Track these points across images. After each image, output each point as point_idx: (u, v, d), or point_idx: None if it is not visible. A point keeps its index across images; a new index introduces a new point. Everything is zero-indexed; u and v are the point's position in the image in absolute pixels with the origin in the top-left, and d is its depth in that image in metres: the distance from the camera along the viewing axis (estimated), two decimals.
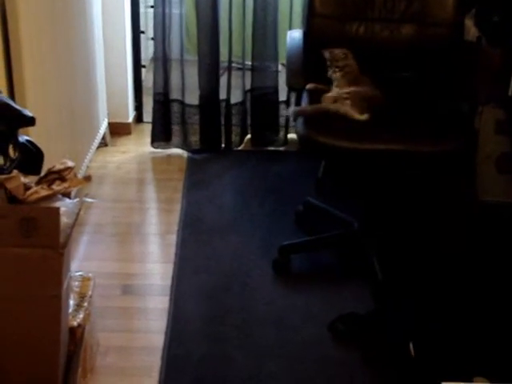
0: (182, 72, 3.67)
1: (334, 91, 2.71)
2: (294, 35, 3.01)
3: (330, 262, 2.96)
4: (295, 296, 2.74)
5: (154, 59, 3.67)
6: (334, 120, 2.62)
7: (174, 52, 3.64)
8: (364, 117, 2.60)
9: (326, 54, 2.78)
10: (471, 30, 3.18)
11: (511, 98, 3.07)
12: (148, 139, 3.75)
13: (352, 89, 2.67)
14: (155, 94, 3.67)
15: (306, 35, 2.99)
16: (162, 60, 3.63)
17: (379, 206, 3.00)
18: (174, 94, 3.69)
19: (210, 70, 3.63)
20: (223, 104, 3.71)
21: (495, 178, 3.24)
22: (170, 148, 3.74)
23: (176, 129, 3.74)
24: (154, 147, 3.74)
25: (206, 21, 3.54)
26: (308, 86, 2.81)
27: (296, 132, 2.72)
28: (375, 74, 2.84)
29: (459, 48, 2.96)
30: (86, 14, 3.27)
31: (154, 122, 3.72)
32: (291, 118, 2.57)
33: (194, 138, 3.75)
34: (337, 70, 2.74)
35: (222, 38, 3.60)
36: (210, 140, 3.75)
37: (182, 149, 3.74)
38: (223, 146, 3.77)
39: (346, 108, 2.61)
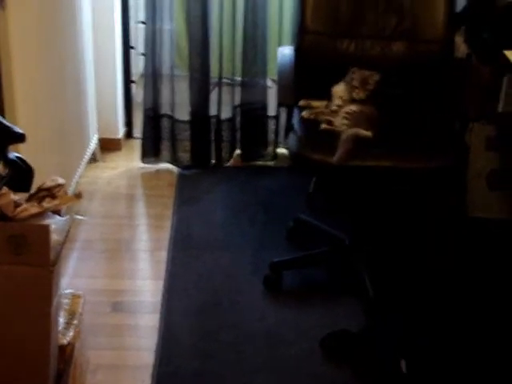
0: (172, 87, 3.67)
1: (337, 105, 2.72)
2: (285, 52, 3.01)
3: (321, 278, 2.95)
4: (286, 312, 2.73)
5: (145, 75, 3.67)
6: (325, 137, 2.62)
7: (165, 67, 3.64)
8: (370, 134, 2.60)
9: (356, 74, 2.76)
10: (461, 47, 3.20)
11: (501, 115, 3.08)
12: (138, 155, 3.74)
13: (353, 108, 2.67)
14: (145, 110, 3.67)
15: (297, 52, 2.99)
16: (152, 75, 3.62)
17: (370, 222, 2.99)
18: (164, 110, 3.69)
19: (201, 85, 3.63)
20: (213, 120, 3.71)
21: (486, 194, 3.25)
22: (159, 163, 3.73)
23: (166, 144, 3.73)
24: (144, 162, 3.73)
25: (197, 37, 3.55)
26: (301, 103, 2.81)
27: (288, 149, 2.72)
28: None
29: (449, 65, 2.98)
30: (76, 30, 3.27)
31: (143, 138, 3.71)
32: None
33: (184, 154, 3.74)
34: (365, 91, 2.73)
35: (212, 53, 3.60)
36: (200, 156, 3.74)
37: (172, 164, 3.73)
38: (213, 161, 3.77)
39: (354, 129, 2.60)
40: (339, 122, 2.64)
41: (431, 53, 2.99)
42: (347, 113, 2.65)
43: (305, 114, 2.75)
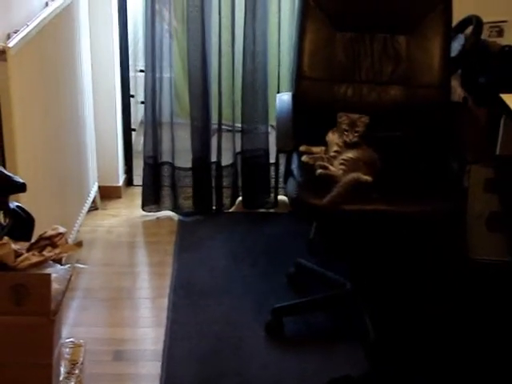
0: (172, 135, 3.69)
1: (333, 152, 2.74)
2: (283, 98, 3.04)
3: (323, 323, 2.94)
4: (289, 359, 2.72)
5: (145, 123, 3.69)
6: (323, 182, 2.63)
7: (164, 115, 3.66)
8: (369, 178, 2.61)
9: (343, 118, 2.80)
10: (457, 90, 3.23)
11: (499, 157, 3.10)
12: (138, 202, 3.75)
13: (349, 155, 2.69)
14: (145, 158, 3.68)
15: (294, 98, 3.02)
16: (152, 123, 3.64)
17: (370, 267, 2.99)
18: (165, 157, 3.71)
19: (202, 132, 3.65)
20: (214, 166, 3.73)
21: (486, 236, 3.25)
22: (160, 211, 3.74)
23: (166, 192, 3.74)
24: (145, 210, 3.73)
25: (197, 84, 3.57)
26: (301, 148, 2.82)
27: (287, 194, 2.73)
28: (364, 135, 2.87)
29: (446, 108, 3.00)
30: (76, 79, 3.30)
31: (144, 186, 3.72)
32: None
33: (185, 201, 3.75)
34: (355, 134, 2.76)
35: (212, 100, 3.63)
36: (201, 202, 3.75)
37: (173, 211, 3.74)
38: (214, 208, 3.77)
39: (354, 174, 2.62)
40: (337, 167, 2.66)
41: (428, 97, 3.02)
42: (344, 159, 2.67)
43: (304, 158, 2.76)
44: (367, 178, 2.61)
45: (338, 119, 2.81)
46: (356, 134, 2.76)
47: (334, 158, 2.72)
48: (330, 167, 2.67)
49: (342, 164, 2.66)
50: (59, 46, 3.04)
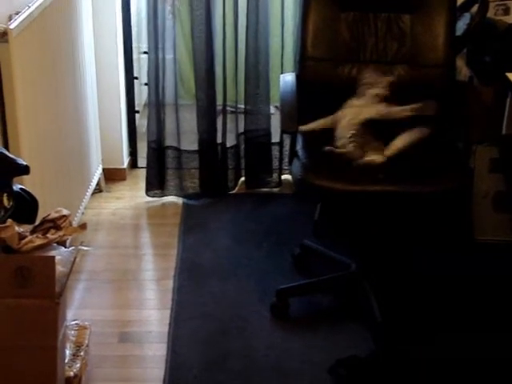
0: (177, 117, 3.67)
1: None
2: (287, 78, 3.02)
3: (328, 304, 2.94)
4: (294, 340, 2.72)
5: (148, 105, 3.67)
6: (329, 163, 2.62)
7: (168, 97, 3.65)
8: (382, 158, 2.60)
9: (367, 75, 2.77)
10: (463, 70, 3.21)
11: (505, 137, 3.08)
12: (143, 184, 3.74)
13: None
14: (149, 142, 3.67)
15: (298, 78, 3.00)
16: (156, 106, 3.63)
17: (376, 247, 2.98)
18: (169, 140, 3.69)
19: (207, 114, 3.64)
20: (219, 147, 3.71)
21: (491, 216, 3.24)
22: (165, 196, 3.72)
23: (171, 176, 3.72)
24: (150, 196, 3.71)
25: (202, 65, 3.55)
26: (302, 128, 2.79)
27: (291, 175, 2.71)
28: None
29: (452, 88, 2.98)
30: (78, 61, 3.28)
31: (148, 170, 3.71)
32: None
33: (191, 184, 3.74)
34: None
35: (216, 81, 3.61)
36: (207, 185, 3.74)
37: (178, 195, 3.72)
38: (219, 189, 3.76)
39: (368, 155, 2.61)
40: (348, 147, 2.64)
41: (433, 76, 3.00)
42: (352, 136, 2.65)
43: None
44: (379, 159, 2.59)
45: (361, 77, 2.77)
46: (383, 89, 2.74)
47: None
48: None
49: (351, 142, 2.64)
50: (61, 27, 3.02)
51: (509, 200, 3.19)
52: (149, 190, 3.71)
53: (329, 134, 2.74)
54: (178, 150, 3.70)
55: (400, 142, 2.59)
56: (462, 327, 2.77)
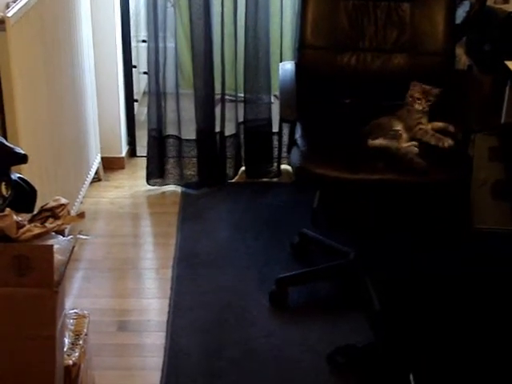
0: (178, 106, 3.66)
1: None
2: (287, 67, 3.01)
3: (327, 293, 2.94)
4: (293, 328, 2.72)
5: (148, 94, 3.66)
6: (328, 151, 2.62)
7: (169, 86, 3.64)
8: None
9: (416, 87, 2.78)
10: (462, 58, 3.20)
11: (504, 126, 3.08)
12: (142, 173, 3.73)
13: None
14: (150, 130, 3.66)
15: (297, 67, 2.99)
16: (156, 95, 3.62)
17: (375, 236, 2.98)
18: (169, 129, 3.68)
19: (206, 103, 3.63)
20: (217, 137, 3.71)
21: (490, 205, 3.23)
22: (165, 185, 3.72)
23: (171, 164, 3.72)
24: (150, 184, 3.71)
25: (200, 54, 3.54)
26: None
27: (290, 163, 2.71)
28: (369, 103, 2.85)
29: (451, 76, 2.97)
30: (77, 50, 3.28)
31: (148, 159, 3.70)
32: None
33: (190, 172, 3.73)
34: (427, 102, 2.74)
35: (215, 70, 3.60)
36: (206, 173, 3.73)
37: (178, 184, 3.72)
38: (218, 178, 3.76)
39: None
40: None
41: (432, 65, 2.99)
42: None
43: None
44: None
45: (411, 87, 2.77)
46: (428, 103, 2.73)
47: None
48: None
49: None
50: (59, 15, 3.01)
51: (508, 188, 3.19)
52: (149, 178, 3.71)
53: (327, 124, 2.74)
54: (178, 138, 3.69)
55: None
56: (460, 316, 2.78)
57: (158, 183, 3.72)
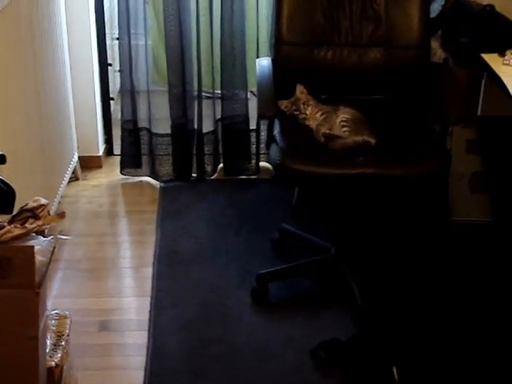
0: (149, 103, 3.65)
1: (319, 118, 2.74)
2: (263, 63, 3.01)
3: (308, 288, 2.95)
4: (275, 324, 2.72)
5: (121, 91, 3.65)
6: (307, 147, 2.62)
7: (142, 83, 3.63)
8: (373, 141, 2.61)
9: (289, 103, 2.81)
10: (438, 51, 3.21)
11: (481, 118, 3.10)
12: (119, 171, 3.72)
13: (346, 115, 2.68)
14: (123, 123, 3.65)
15: (274, 62, 2.99)
16: (130, 92, 3.61)
17: (355, 231, 2.99)
18: (143, 124, 3.68)
19: (181, 99, 3.62)
20: (195, 134, 3.70)
21: (468, 197, 3.25)
22: (139, 176, 3.71)
23: (145, 158, 3.71)
24: (124, 174, 3.70)
25: (175, 50, 3.53)
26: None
27: (270, 160, 2.71)
28: (344, 98, 2.85)
29: (427, 70, 2.99)
30: (52, 49, 3.25)
31: (122, 151, 3.70)
32: None
33: (165, 168, 3.72)
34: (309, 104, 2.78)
35: (190, 67, 3.59)
36: (180, 169, 3.73)
37: (152, 177, 3.71)
38: (196, 175, 3.75)
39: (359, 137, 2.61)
40: (338, 129, 2.64)
41: (408, 58, 3.00)
42: (344, 121, 2.65)
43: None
44: (372, 140, 2.59)
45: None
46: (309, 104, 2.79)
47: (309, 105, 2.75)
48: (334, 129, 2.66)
49: (343, 126, 2.64)
50: (33, 13, 2.98)
51: (485, 180, 3.21)
52: (123, 168, 3.72)
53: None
54: (151, 133, 3.68)
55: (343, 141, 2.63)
56: (442, 308, 2.79)
57: (132, 173, 3.73)
